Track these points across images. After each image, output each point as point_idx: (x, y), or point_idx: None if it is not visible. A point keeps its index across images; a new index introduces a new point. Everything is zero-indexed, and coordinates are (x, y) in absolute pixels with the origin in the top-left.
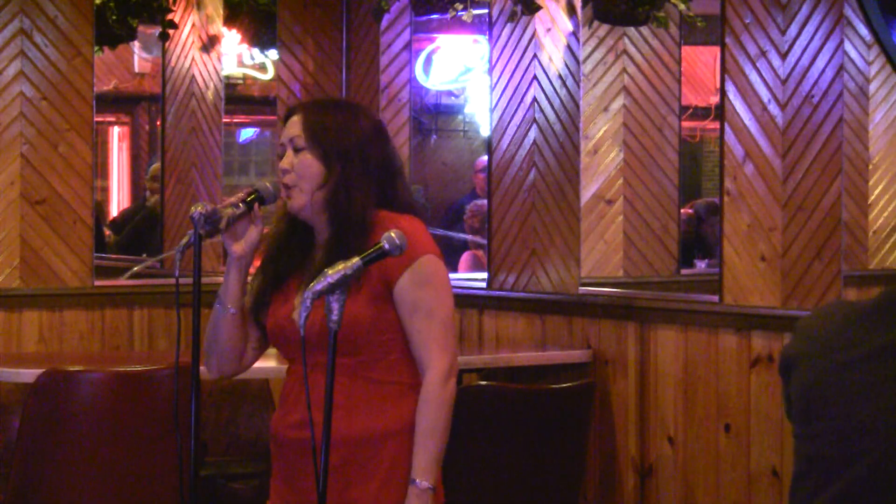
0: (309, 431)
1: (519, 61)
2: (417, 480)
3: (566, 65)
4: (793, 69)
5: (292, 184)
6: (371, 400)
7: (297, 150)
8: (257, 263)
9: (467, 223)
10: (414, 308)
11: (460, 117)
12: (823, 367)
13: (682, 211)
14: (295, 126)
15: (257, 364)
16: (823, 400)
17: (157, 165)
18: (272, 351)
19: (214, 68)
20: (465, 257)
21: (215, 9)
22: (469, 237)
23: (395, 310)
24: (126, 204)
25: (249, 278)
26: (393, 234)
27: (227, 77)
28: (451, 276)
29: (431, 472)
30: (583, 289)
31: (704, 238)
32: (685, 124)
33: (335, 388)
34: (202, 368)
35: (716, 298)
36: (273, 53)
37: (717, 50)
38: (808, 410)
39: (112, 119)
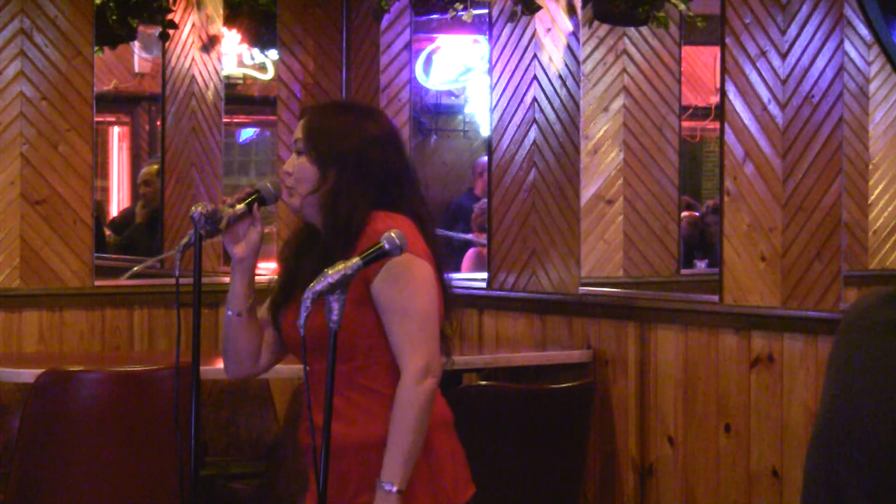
0: (317, 436)
1: (519, 61)
2: (384, 483)
3: (566, 65)
4: (793, 69)
5: (291, 186)
6: (369, 407)
7: (298, 154)
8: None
9: (475, 222)
10: (387, 307)
11: (460, 117)
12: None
13: (683, 214)
14: (299, 129)
15: None
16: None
17: (147, 169)
18: None
19: (214, 68)
20: (470, 255)
21: (215, 9)
22: (472, 237)
23: (375, 312)
24: (126, 204)
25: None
26: (393, 234)
27: (227, 77)
28: (452, 276)
29: (399, 474)
30: (583, 289)
31: (708, 240)
32: (685, 124)
33: (336, 395)
34: (211, 368)
35: (716, 298)
36: (273, 53)
37: (717, 50)
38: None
39: (112, 119)
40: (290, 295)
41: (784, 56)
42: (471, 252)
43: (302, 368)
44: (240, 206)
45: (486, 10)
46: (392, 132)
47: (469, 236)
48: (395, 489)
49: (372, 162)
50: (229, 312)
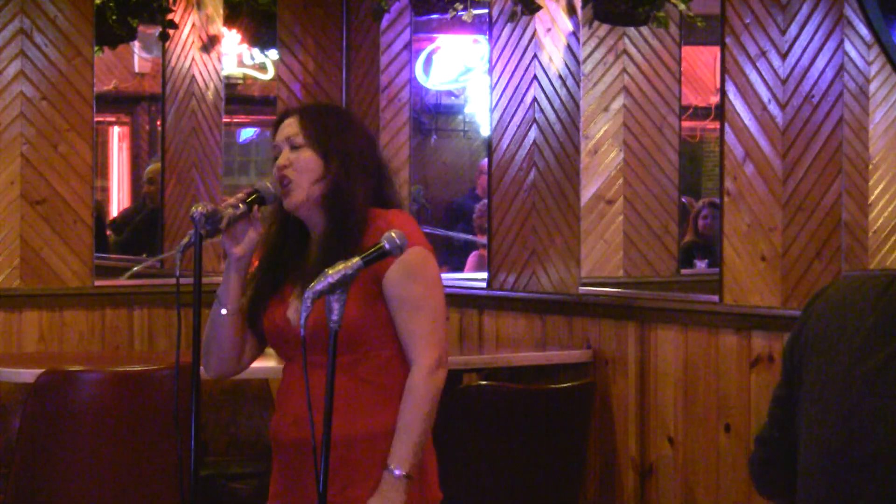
0: (305, 430)
1: (519, 61)
2: (392, 467)
3: (566, 65)
4: (793, 69)
5: (291, 178)
6: (366, 400)
7: (294, 148)
8: (255, 264)
9: (476, 223)
10: (402, 301)
11: (460, 117)
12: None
13: (699, 202)
14: (291, 126)
15: (257, 364)
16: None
17: (151, 167)
18: (272, 351)
19: (214, 68)
20: (472, 257)
21: (215, 9)
22: (473, 237)
23: (385, 305)
24: (126, 204)
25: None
26: (393, 234)
27: (227, 77)
28: (453, 276)
29: (408, 461)
30: (583, 289)
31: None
32: (685, 124)
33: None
34: (202, 368)
35: (716, 298)
36: (273, 53)
37: (717, 50)
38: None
39: (112, 119)
40: (276, 291)
41: (784, 56)
42: (474, 255)
43: (282, 363)
44: (240, 207)
45: (486, 10)
46: (372, 135)
47: (469, 237)
48: (403, 473)
49: (369, 158)
50: (223, 310)
